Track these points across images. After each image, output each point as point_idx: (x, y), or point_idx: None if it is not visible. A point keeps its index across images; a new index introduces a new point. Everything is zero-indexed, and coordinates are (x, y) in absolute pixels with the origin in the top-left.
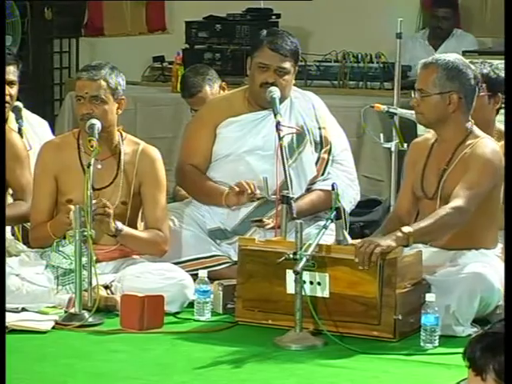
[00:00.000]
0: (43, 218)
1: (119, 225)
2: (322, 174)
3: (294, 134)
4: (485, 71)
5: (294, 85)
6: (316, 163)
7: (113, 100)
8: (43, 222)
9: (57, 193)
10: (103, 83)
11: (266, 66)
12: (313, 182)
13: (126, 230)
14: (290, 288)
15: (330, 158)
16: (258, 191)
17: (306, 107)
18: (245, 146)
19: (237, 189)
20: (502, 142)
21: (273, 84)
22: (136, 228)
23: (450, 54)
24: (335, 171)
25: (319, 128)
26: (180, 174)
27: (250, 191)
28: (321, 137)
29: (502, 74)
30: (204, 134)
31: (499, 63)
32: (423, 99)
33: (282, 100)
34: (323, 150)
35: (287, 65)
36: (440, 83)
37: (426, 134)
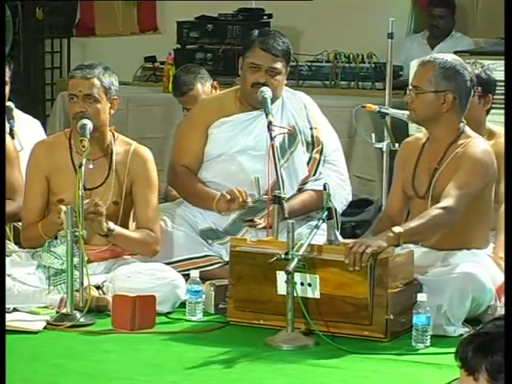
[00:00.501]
0: (35, 218)
1: (111, 225)
2: (314, 174)
3: (286, 134)
4: (476, 72)
5: (286, 85)
6: (308, 163)
7: (106, 99)
8: (35, 222)
9: (48, 192)
10: (97, 82)
11: (257, 66)
12: (304, 182)
13: (118, 229)
14: (281, 289)
15: (322, 158)
16: (249, 199)
17: (297, 107)
18: (236, 146)
19: (228, 196)
20: (492, 141)
21: (264, 84)
22: (127, 228)
23: (448, 55)
24: (327, 171)
25: (311, 128)
26: (171, 175)
27: (241, 199)
28: (312, 137)
29: (493, 74)
30: (195, 135)
31: (490, 63)
32: (418, 96)
33: (273, 100)
34: (315, 150)
35: (279, 65)
36: (436, 81)
37: (417, 134)
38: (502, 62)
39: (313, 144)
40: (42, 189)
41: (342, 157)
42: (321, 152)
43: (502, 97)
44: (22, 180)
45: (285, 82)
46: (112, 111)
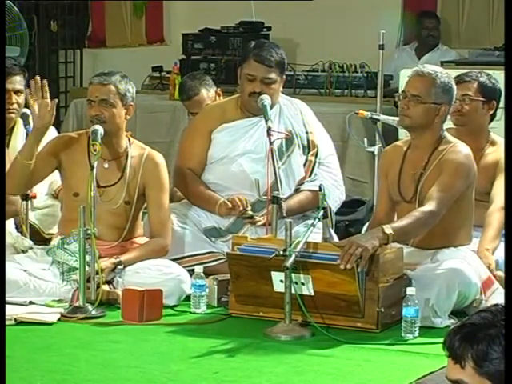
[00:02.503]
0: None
1: (116, 260)
2: (310, 175)
3: (284, 139)
4: (481, 79)
5: (283, 93)
6: (304, 165)
7: (121, 105)
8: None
9: (50, 170)
10: (113, 88)
11: (252, 77)
12: (301, 182)
13: (125, 258)
14: (277, 287)
15: (317, 160)
16: (249, 207)
17: (294, 113)
18: (237, 150)
19: (229, 205)
20: (494, 148)
21: (260, 93)
22: (137, 225)
23: (438, 67)
24: (321, 173)
25: (306, 132)
26: (177, 177)
27: (241, 208)
28: (308, 140)
29: (498, 84)
30: (199, 139)
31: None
32: (416, 105)
33: (270, 107)
34: (310, 153)
35: (273, 75)
36: (436, 94)
37: (395, 142)
38: (487, 72)
39: (308, 147)
40: (46, 160)
41: (335, 159)
42: (316, 155)
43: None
44: None
45: (281, 89)
46: (128, 117)
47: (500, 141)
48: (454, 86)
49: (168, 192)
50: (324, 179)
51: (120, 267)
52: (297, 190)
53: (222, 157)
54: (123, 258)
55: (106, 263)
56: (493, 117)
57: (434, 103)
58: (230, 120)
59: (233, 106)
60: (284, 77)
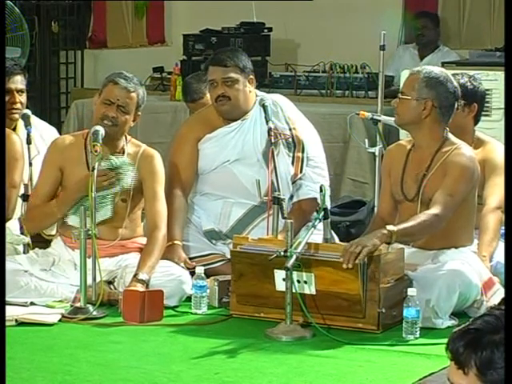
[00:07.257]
0: (39, 202)
1: (142, 276)
2: (301, 172)
3: (268, 141)
4: (462, 81)
5: (285, 94)
6: (292, 163)
7: (134, 113)
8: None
9: (59, 183)
10: (135, 97)
11: (214, 81)
12: (294, 180)
13: (147, 273)
14: (279, 286)
15: (304, 155)
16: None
17: (274, 112)
18: (227, 158)
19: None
20: (480, 149)
21: (224, 96)
22: (137, 224)
23: (435, 67)
24: (308, 171)
25: (289, 129)
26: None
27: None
28: (292, 137)
29: (479, 85)
30: (187, 151)
31: (476, 73)
32: (402, 101)
33: (240, 110)
34: (296, 149)
35: (231, 74)
36: (419, 89)
37: (399, 142)
38: (487, 72)
39: (294, 144)
40: (52, 178)
41: (322, 152)
42: (302, 150)
43: (488, 105)
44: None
45: (250, 90)
46: (132, 123)
47: (488, 140)
48: (449, 84)
49: (163, 184)
50: (312, 180)
51: (145, 279)
52: (291, 198)
53: (213, 168)
54: (145, 273)
55: (139, 288)
56: (477, 119)
57: (417, 98)
58: (213, 128)
59: (214, 112)
60: (251, 77)
